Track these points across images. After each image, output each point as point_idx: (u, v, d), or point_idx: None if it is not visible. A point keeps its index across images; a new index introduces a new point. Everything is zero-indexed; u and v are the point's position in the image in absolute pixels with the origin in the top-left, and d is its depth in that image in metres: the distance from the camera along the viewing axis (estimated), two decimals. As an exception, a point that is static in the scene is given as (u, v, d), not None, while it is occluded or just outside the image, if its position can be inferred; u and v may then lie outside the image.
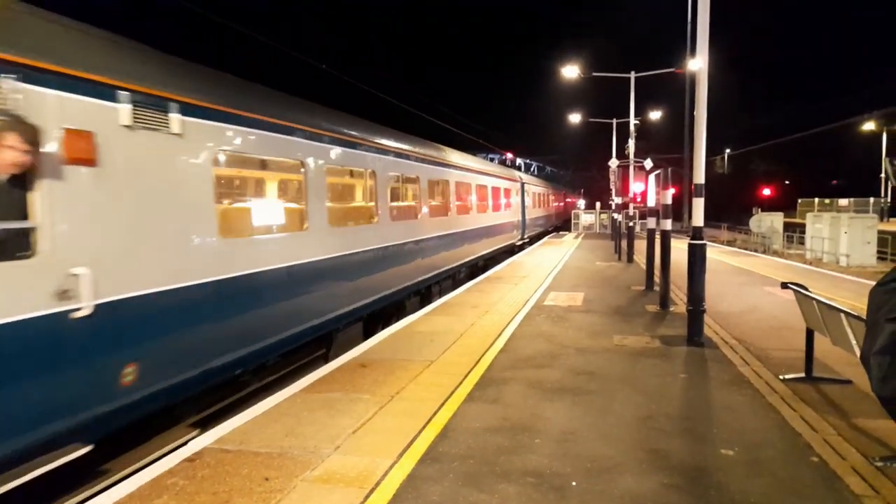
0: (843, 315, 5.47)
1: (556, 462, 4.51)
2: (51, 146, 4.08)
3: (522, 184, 26.82)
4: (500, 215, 20.90)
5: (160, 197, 5.06)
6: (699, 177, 8.07)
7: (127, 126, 4.69)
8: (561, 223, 46.94)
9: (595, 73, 26.56)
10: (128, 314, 4.62)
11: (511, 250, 23.43)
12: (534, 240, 30.24)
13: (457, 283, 15.09)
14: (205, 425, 5.90)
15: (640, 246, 18.68)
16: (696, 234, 8.11)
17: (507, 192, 22.60)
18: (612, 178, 30.70)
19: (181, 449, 4.83)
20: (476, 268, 17.59)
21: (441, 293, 13.43)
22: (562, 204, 51.44)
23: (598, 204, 44.47)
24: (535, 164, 71.41)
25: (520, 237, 25.47)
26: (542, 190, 36.16)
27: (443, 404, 5.76)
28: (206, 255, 5.58)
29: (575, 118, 40.10)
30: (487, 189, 18.86)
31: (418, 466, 4.44)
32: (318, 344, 8.11)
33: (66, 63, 4.25)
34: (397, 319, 10.37)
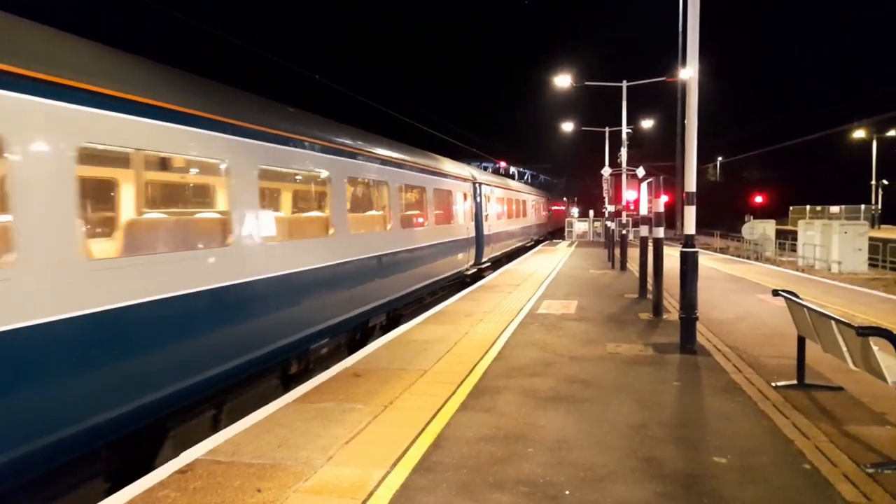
0: (833, 322, 5.50)
1: (550, 471, 4.51)
2: None
3: (477, 184, 19.24)
4: (427, 233, 13.36)
5: None
6: (690, 185, 8.13)
7: None
8: (544, 236, 40.44)
9: (587, 83, 26.70)
10: None
11: (462, 281, 17.13)
12: (498, 263, 22.15)
13: (305, 374, 7.84)
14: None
15: (634, 254, 18.75)
16: (689, 241, 8.16)
17: (447, 194, 15.66)
18: (605, 186, 30.86)
19: (173, 461, 4.80)
20: (366, 326, 10.13)
21: (304, 376, 7.58)
22: (545, 212, 43.11)
23: (591, 212, 44.60)
24: (528, 173, 71.61)
25: (472, 262, 18.22)
26: (512, 195, 27.05)
27: (436, 413, 5.76)
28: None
29: (568, 127, 40.35)
30: (388, 189, 11.06)
31: (412, 476, 4.43)
32: None
33: None
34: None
